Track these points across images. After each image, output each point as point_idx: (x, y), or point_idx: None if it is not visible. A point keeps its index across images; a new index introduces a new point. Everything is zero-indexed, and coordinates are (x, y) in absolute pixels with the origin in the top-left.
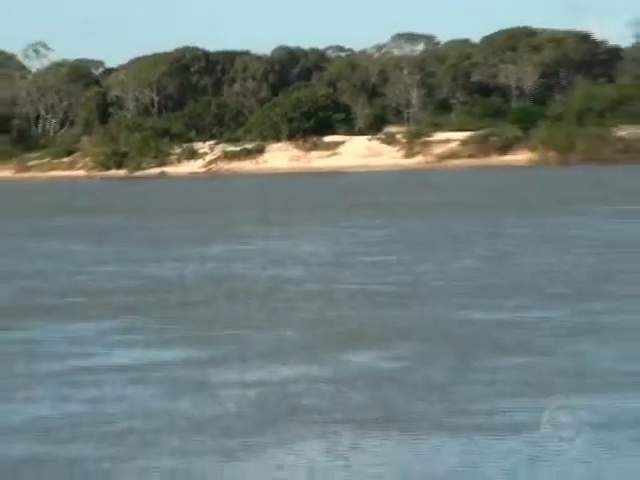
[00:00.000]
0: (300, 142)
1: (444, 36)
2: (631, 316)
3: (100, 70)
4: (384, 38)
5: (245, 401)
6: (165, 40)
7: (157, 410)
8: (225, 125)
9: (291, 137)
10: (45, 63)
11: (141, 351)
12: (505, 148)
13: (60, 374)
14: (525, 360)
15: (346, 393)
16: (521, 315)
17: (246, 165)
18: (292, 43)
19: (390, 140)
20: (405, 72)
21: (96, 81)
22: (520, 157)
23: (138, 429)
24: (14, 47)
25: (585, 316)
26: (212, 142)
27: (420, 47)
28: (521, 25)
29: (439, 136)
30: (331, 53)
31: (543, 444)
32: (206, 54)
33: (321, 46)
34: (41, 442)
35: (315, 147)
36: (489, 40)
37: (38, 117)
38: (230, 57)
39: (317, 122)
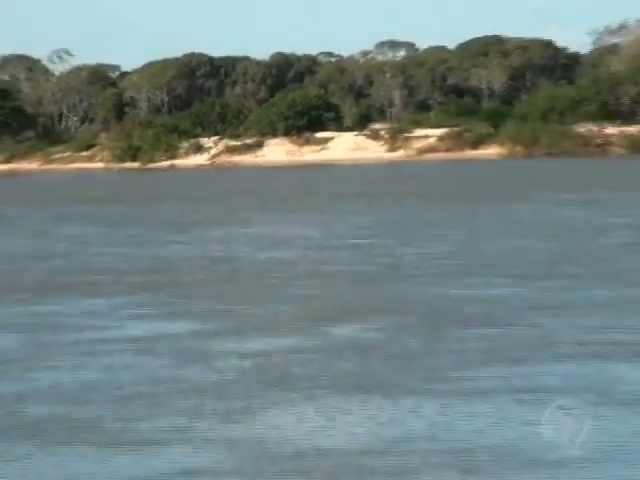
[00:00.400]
0: (294, 138)
1: (423, 43)
2: (584, 292)
3: (116, 73)
4: (369, 45)
5: (242, 369)
6: (174, 47)
7: (164, 377)
8: (228, 122)
9: (286, 133)
10: (67, 67)
11: (150, 324)
12: (477, 143)
13: (78, 344)
14: (490, 331)
15: (332, 361)
16: (488, 292)
17: (246, 158)
18: (287, 49)
19: (375, 136)
20: (388, 75)
21: (113, 83)
22: (490, 151)
23: (147, 393)
24: (40, 53)
25: (544, 293)
26: (216, 138)
27: (401, 53)
28: (492, 34)
29: (419, 132)
30: (322, 58)
31: (506, 406)
32: (210, 59)
33: (313, 52)
34: (61, 404)
35: (308, 142)
36: (463, 47)
37: (61, 115)
38: (232, 62)
39: (310, 120)
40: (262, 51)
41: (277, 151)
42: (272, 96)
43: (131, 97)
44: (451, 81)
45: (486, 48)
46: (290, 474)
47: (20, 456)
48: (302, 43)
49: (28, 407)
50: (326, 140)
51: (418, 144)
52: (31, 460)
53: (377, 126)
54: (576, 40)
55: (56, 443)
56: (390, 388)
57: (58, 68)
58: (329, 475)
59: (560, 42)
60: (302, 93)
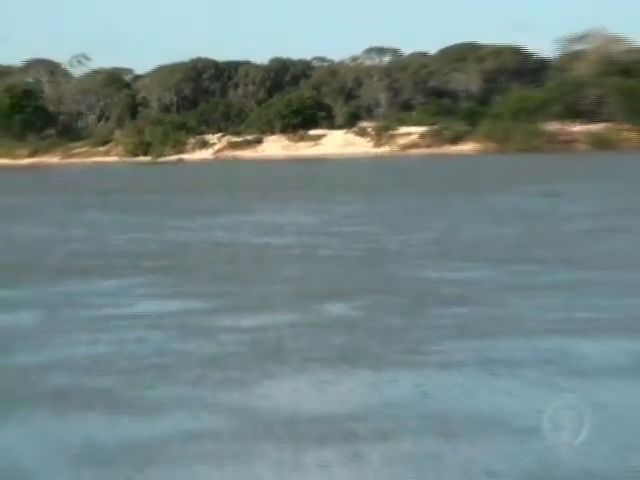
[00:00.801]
0: (290, 135)
1: (407, 49)
2: (549, 275)
3: (130, 76)
4: (358, 51)
5: (240, 343)
6: (182, 52)
7: (170, 350)
8: (230, 121)
9: (283, 131)
10: (86, 70)
11: (158, 303)
12: (455, 140)
13: (93, 321)
14: (465, 310)
15: (322, 336)
16: (464, 274)
17: (247, 153)
18: (284, 55)
19: (363, 133)
20: (375, 79)
21: (127, 85)
22: (467, 147)
23: (154, 365)
24: (61, 58)
25: (514, 275)
26: (219, 134)
27: (387, 58)
28: (469, 41)
29: (402, 130)
30: (315, 63)
31: (477, 377)
32: (215, 63)
33: (308, 57)
34: (77, 374)
35: (302, 139)
36: (443, 53)
37: (80, 114)
38: (234, 66)
39: (304, 119)
40: (262, 56)
41: (275, 147)
42: (270, 97)
43: (143, 97)
44: (432, 84)
45: (463, 54)
46: (283, 438)
47: (40, 422)
48: (298, 49)
49: (47, 377)
50: (319, 137)
51: (402, 140)
52: (50, 426)
53: (365, 124)
54: (544, 47)
55: (73, 410)
56: (373, 360)
57: (77, 71)
58: (318, 439)
59: (530, 49)
60: (297, 94)
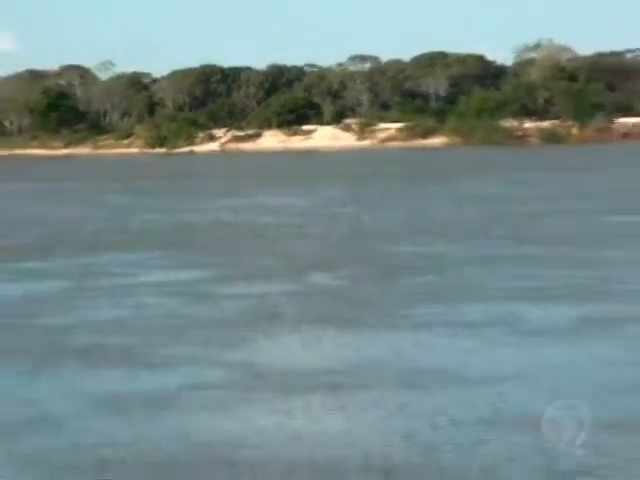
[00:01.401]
0: (286, 130)
1: (385, 57)
2: (504, 249)
3: (148, 79)
4: (343, 58)
5: (240, 307)
6: (193, 58)
7: (180, 313)
8: (234, 118)
9: (279, 126)
10: (111, 75)
11: (170, 273)
12: (426, 134)
13: (114, 288)
14: (431, 279)
15: (309, 302)
16: (431, 249)
17: (248, 146)
18: (280, 61)
19: (347, 128)
20: (358, 82)
21: (145, 87)
22: (436, 141)
23: (166, 326)
24: (89, 63)
25: (474, 250)
26: (225, 129)
27: (368, 64)
28: (438, 50)
29: (381, 126)
30: (307, 69)
31: (442, 337)
32: (221, 69)
33: (300, 63)
34: (100, 334)
35: (296, 133)
36: (416, 60)
37: (106, 112)
38: (238, 71)
39: (297, 116)
40: (261, 63)
41: (272, 140)
42: (268, 97)
43: (160, 98)
44: (406, 86)
45: (433, 61)
46: (276, 388)
47: (68, 375)
48: (292, 56)
49: (74, 336)
50: (310, 132)
51: (381, 135)
52: (76, 379)
53: (349, 121)
54: (502, 55)
55: (96, 365)
56: (354, 323)
57: (104, 75)
58: (306, 389)
59: (489, 57)
60: (291, 95)
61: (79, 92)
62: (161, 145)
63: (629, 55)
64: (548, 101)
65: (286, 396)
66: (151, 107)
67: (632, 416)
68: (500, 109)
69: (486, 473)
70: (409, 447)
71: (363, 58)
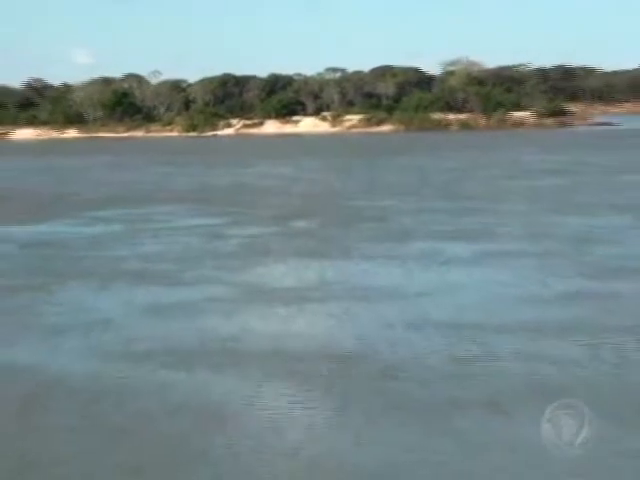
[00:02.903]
0: (281, 119)
1: (351, 68)
2: (431, 204)
3: (185, 84)
4: (321, 69)
5: (242, 244)
6: (216, 69)
7: (200, 247)
8: (244, 111)
9: (276, 117)
10: (158, 80)
11: (194, 220)
12: (379, 123)
13: (156, 230)
14: (378, 225)
15: (290, 241)
16: (379, 203)
17: (254, 131)
18: (277, 72)
19: (324, 119)
20: (331, 86)
21: (183, 89)
22: (386, 128)
23: (191, 256)
24: (143, 72)
25: (409, 204)
26: (238, 119)
27: (338, 74)
28: (387, 64)
29: (347, 117)
30: (296, 77)
31: (383, 265)
32: (235, 77)
33: (291, 73)
34: (145, 262)
35: (288, 122)
36: (373, 71)
37: (155, 107)
38: (247, 79)
39: (289, 110)
40: (263, 72)
41: (271, 127)
42: (269, 97)
43: (193, 97)
44: (365, 90)
45: (384, 72)
46: (270, 299)
47: (122, 290)
48: (285, 68)
49: (128, 263)
50: (297, 121)
51: (347, 123)
52: (128, 293)
53: (325, 114)
54: (432, 67)
55: (141, 283)
56: (320, 254)
57: (153, 81)
58: (285, 300)
59: (424, 69)
60: (285, 95)
61: (136, 93)
62: (193, 130)
63: (520, 68)
64: (464, 100)
65: (270, 306)
66: (186, 104)
67: (514, 319)
68: (431, 105)
69: (412, 359)
70: (355, 341)
71: (335, 69)
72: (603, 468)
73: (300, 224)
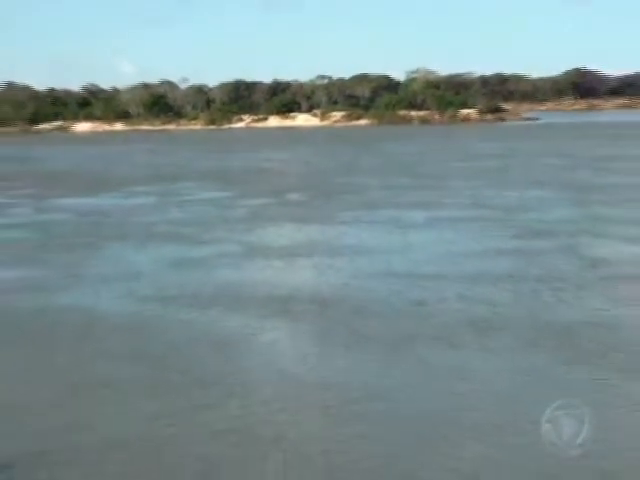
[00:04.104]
0: (281, 115)
1: (335, 76)
2: (398, 181)
3: (207, 88)
4: (313, 77)
5: (247, 212)
6: (231, 76)
7: (216, 215)
8: (253, 109)
9: (278, 114)
10: (187, 85)
11: (210, 193)
12: (358, 118)
13: (182, 201)
14: (354, 197)
15: (286, 209)
16: (357, 181)
17: (260, 125)
18: (279, 78)
19: (315, 115)
20: (321, 90)
21: (205, 92)
22: (363, 122)
23: (209, 222)
24: (174, 78)
25: (378, 181)
26: (248, 115)
27: (326, 80)
28: (364, 72)
29: (333, 114)
30: (293, 82)
31: (355, 228)
32: (246, 82)
33: (290, 79)
34: (172, 226)
35: (287, 118)
36: (353, 78)
37: (183, 106)
38: (254, 84)
39: (288, 108)
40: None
41: (274, 122)
42: (272, 98)
43: (213, 98)
44: (347, 92)
45: (361, 79)
46: (264, 256)
47: (153, 249)
48: (286, 75)
49: (158, 227)
50: (294, 117)
51: (333, 119)
52: (155, 250)
53: (315, 111)
54: (399, 75)
55: (169, 243)
56: (308, 220)
57: (183, 85)
58: (281, 255)
59: (393, 76)
60: (284, 97)
61: (169, 95)
62: (213, 124)
63: (466, 75)
64: (423, 100)
65: (270, 260)
66: (208, 103)
67: (457, 270)
68: (398, 105)
69: (380, 302)
70: (336, 288)
71: (323, 77)
72: (523, 378)
73: (293, 196)
